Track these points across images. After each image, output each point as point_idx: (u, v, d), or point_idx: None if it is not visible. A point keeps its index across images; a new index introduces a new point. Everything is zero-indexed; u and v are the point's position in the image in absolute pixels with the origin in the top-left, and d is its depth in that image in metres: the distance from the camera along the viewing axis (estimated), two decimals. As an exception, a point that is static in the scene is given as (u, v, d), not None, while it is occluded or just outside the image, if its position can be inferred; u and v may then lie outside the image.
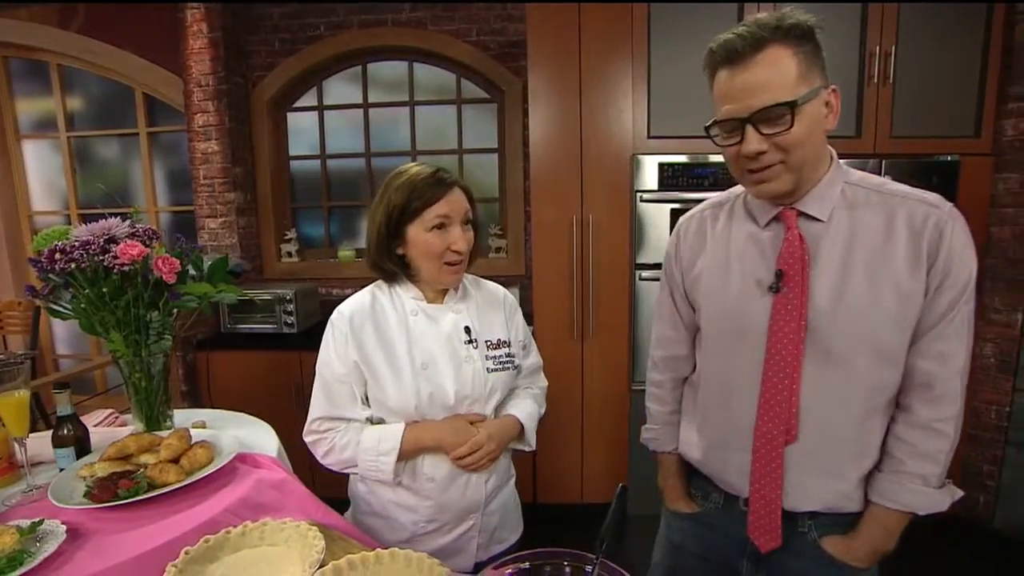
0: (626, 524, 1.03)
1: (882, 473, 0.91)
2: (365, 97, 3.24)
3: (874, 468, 0.93)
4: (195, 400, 2.79)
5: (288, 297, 2.64)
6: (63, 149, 3.41)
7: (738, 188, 1.03)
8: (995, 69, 2.28)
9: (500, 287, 1.26)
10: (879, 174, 2.24)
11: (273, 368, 2.63)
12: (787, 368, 0.90)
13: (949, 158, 2.29)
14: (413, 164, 1.11)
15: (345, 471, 1.15)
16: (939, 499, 0.89)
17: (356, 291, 1.17)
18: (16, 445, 1.05)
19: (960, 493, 0.92)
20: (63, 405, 1.12)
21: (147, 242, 1.14)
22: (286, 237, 3.24)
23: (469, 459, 1.08)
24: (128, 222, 1.18)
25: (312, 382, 1.15)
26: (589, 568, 0.75)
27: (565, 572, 0.76)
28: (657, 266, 2.38)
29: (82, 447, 1.14)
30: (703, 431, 1.04)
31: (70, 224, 3.30)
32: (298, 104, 3.27)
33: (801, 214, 0.91)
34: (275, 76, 3.12)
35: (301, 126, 3.30)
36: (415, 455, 1.10)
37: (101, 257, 1.08)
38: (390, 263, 1.11)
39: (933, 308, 0.87)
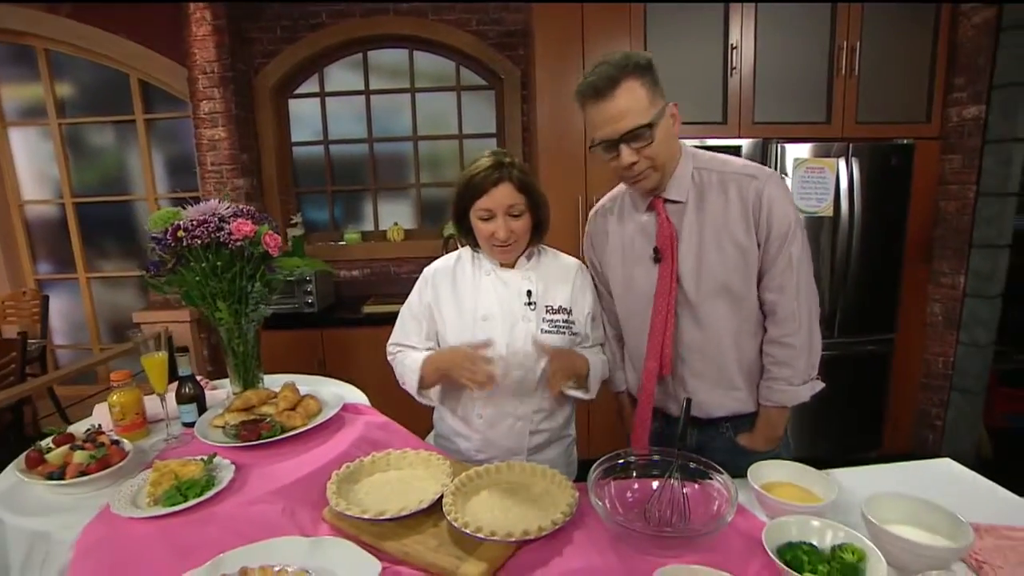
0: (691, 428, 1.27)
1: (762, 381, 1.22)
2: (367, 84, 3.34)
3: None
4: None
5: (308, 277, 2.76)
6: (54, 136, 3.37)
7: (622, 186, 1.32)
8: (942, 63, 2.62)
9: (575, 261, 1.38)
10: (846, 157, 2.56)
11: (296, 345, 2.76)
12: (663, 320, 1.19)
13: (905, 142, 2.61)
14: (486, 153, 1.26)
15: (406, 389, 1.34)
16: (801, 393, 1.19)
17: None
18: (159, 400, 1.20)
19: (821, 385, 1.21)
20: (184, 367, 1.27)
21: (255, 220, 1.29)
22: (292, 222, 3.32)
23: (478, 383, 1.16)
24: (227, 204, 1.32)
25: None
26: (673, 460, 0.98)
27: (657, 464, 0.99)
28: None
29: (200, 404, 1.30)
30: (630, 370, 1.36)
31: (64, 213, 3.32)
32: (300, 91, 3.34)
33: (666, 200, 1.19)
34: (277, 63, 3.18)
35: (303, 112, 3.37)
36: (436, 377, 1.28)
37: (218, 234, 1.22)
38: (467, 237, 1.33)
39: (767, 254, 1.15)
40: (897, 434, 2.87)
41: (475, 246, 1.34)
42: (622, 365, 1.40)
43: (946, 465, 1.18)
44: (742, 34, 2.52)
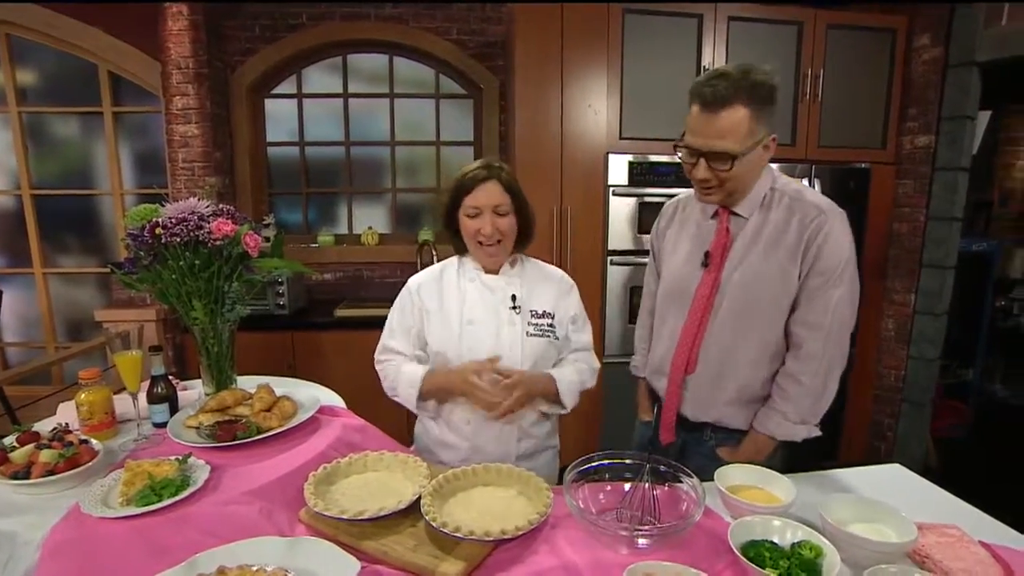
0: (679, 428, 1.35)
1: (763, 407, 1.23)
2: (345, 87, 3.33)
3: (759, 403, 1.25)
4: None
5: (280, 279, 2.72)
6: (13, 125, 3.24)
7: None
8: (897, 94, 2.79)
9: (560, 271, 1.44)
10: (809, 178, 2.70)
11: (266, 348, 2.71)
12: (698, 321, 1.24)
13: (863, 166, 2.77)
14: (476, 160, 1.32)
15: (395, 399, 1.38)
16: (794, 431, 1.20)
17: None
18: (131, 399, 1.18)
19: (817, 432, 1.22)
20: (157, 366, 1.25)
21: (234, 220, 1.28)
22: (264, 223, 3.27)
23: (491, 406, 1.21)
24: (206, 203, 1.31)
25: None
26: (644, 463, 1.02)
27: (629, 467, 1.03)
28: (625, 252, 2.72)
29: (172, 404, 1.28)
30: (651, 361, 1.41)
31: (21, 205, 3.19)
32: (277, 91, 3.31)
33: (732, 213, 1.23)
34: (255, 62, 3.15)
35: (279, 113, 3.34)
36: (435, 393, 1.32)
37: (197, 232, 1.21)
38: (455, 239, 1.35)
39: (805, 287, 1.16)
40: (851, 444, 3.00)
41: (461, 251, 1.37)
42: (645, 350, 1.47)
43: (895, 470, 1.26)
44: (714, 54, 2.63)
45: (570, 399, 1.34)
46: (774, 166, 1.25)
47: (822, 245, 1.13)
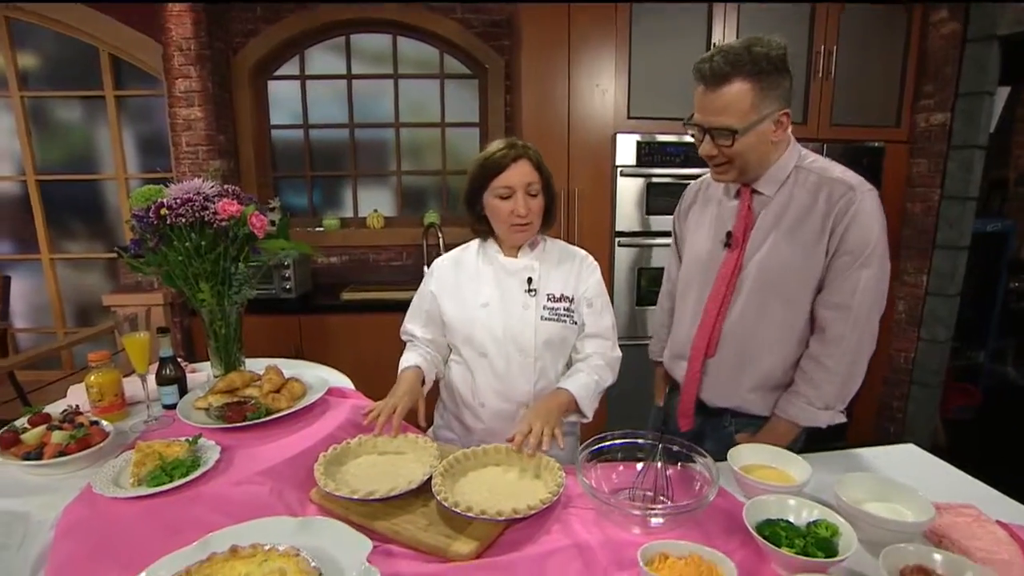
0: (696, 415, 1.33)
1: (785, 392, 1.20)
2: (348, 68, 3.28)
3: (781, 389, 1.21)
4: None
5: (287, 263, 2.72)
6: (16, 110, 3.22)
7: None
8: (912, 70, 2.72)
9: (583, 252, 1.38)
10: (822, 156, 2.64)
11: (273, 331, 2.72)
12: (719, 304, 1.21)
13: (876, 144, 2.71)
14: (497, 141, 1.28)
15: None
16: (817, 416, 1.15)
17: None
18: (140, 381, 1.18)
19: (841, 419, 1.17)
20: (165, 348, 1.24)
21: (240, 200, 1.26)
22: (270, 206, 3.25)
23: (531, 440, 1.06)
24: (211, 183, 1.30)
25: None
26: (657, 442, 1.01)
27: (642, 447, 1.02)
28: (633, 234, 2.69)
29: (181, 386, 1.27)
30: (671, 345, 1.40)
31: (26, 191, 3.18)
32: (280, 72, 3.27)
33: (754, 191, 1.19)
34: (257, 43, 3.11)
35: (282, 95, 3.30)
36: None
37: (202, 213, 1.20)
38: (479, 223, 1.33)
39: (832, 267, 1.12)
40: (860, 426, 2.99)
41: (484, 235, 1.35)
42: (666, 337, 1.44)
43: (909, 450, 1.25)
44: (725, 32, 2.57)
45: (590, 408, 1.26)
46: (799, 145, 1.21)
47: (850, 223, 1.09)
